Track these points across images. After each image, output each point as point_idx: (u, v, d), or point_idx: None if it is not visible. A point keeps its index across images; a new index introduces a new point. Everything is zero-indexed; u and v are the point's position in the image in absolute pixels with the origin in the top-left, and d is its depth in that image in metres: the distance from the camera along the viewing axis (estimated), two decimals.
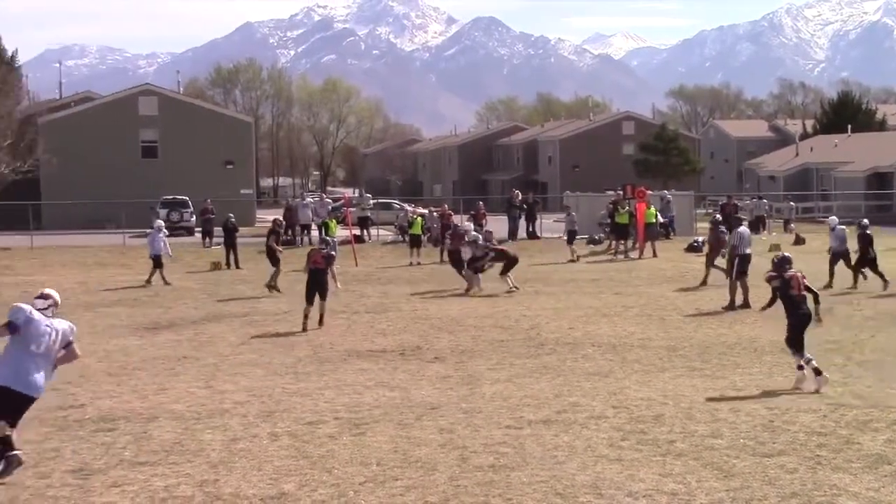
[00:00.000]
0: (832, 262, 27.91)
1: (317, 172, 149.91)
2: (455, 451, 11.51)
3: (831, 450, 11.38)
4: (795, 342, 15.12)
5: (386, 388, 15.31)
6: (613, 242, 40.93)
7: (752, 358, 17.42)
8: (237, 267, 36.44)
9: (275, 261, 29.32)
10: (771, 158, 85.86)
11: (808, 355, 14.97)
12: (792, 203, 57.36)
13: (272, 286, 28.30)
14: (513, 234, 45.59)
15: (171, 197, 54.45)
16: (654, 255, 38.74)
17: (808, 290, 15.28)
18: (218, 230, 41.05)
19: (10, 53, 72.47)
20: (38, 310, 10.83)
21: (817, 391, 14.47)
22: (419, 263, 37.37)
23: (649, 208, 40.84)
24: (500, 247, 29.71)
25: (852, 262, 27.67)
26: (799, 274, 15.41)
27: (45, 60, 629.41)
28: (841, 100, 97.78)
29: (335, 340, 20.14)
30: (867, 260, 27.46)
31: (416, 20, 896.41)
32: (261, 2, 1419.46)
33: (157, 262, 31.57)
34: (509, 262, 28.11)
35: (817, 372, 14.72)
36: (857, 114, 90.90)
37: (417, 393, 14.88)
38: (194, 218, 51.29)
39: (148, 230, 33.83)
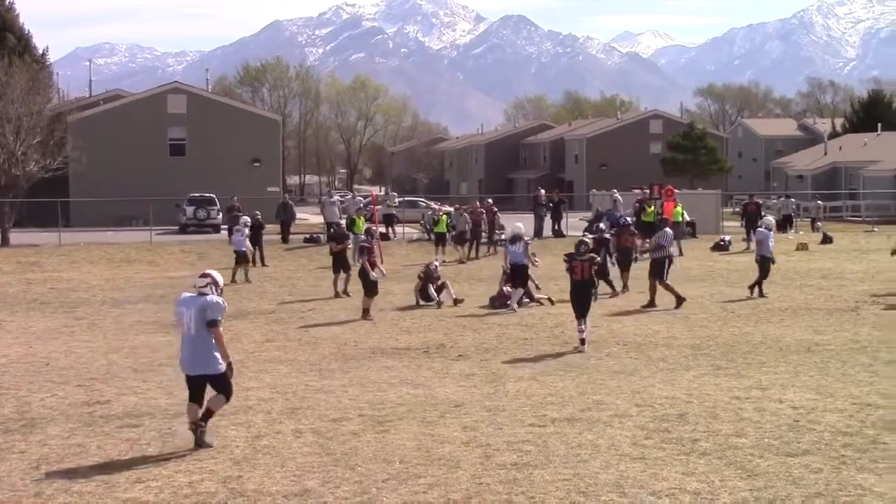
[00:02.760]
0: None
1: (343, 170, 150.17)
2: (478, 449, 11.50)
3: (856, 449, 11.31)
4: (575, 311, 18.71)
5: (410, 385, 15.32)
6: (639, 241, 40.81)
7: (778, 357, 17.33)
8: (263, 264, 36.53)
9: (345, 266, 27.85)
10: (799, 157, 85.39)
11: (583, 326, 18.41)
12: (819, 202, 57.04)
13: (344, 291, 27.55)
14: (538, 232, 45.52)
15: (198, 194, 54.59)
16: (680, 253, 38.63)
17: (591, 276, 19.04)
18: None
19: (41, 51, 72.82)
20: (198, 287, 11.93)
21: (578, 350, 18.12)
22: (444, 261, 37.38)
23: (676, 207, 40.75)
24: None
25: None
26: (587, 263, 18.80)
27: (75, 58, 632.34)
28: (871, 98, 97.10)
29: (359, 338, 20.18)
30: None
31: (445, 18, 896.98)
32: (290, 0, 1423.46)
33: (244, 258, 31.85)
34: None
35: (581, 332, 18.39)
36: (888, 112, 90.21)
37: (441, 390, 14.89)
38: (221, 215, 51.45)
39: (235, 227, 33.88)
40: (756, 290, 25.92)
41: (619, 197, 47.70)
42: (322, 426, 12.73)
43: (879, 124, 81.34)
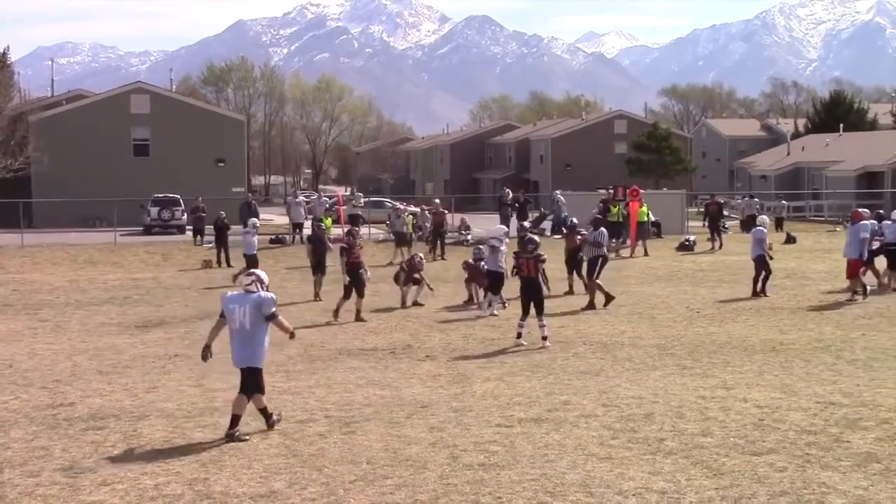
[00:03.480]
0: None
1: (309, 171, 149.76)
2: (445, 450, 11.50)
3: (820, 448, 11.40)
4: (524, 308, 18.97)
5: (377, 386, 15.30)
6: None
7: (743, 356, 17.44)
8: (228, 265, 36.35)
9: (323, 269, 27.34)
10: (762, 157, 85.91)
11: (523, 323, 18.87)
12: (784, 202, 57.43)
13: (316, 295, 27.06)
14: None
15: (162, 195, 54.26)
16: (646, 253, 38.84)
17: (538, 273, 18.97)
18: (209, 228, 40.93)
19: (1, 50, 72.11)
20: (244, 286, 12.55)
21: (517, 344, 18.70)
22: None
23: (642, 207, 40.94)
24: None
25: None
26: (533, 260, 18.80)
27: (37, 58, 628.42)
28: (833, 99, 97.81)
29: (326, 339, 20.13)
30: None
31: (410, 18, 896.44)
32: (254, 0, 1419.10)
33: (254, 262, 30.26)
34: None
35: (521, 328, 18.96)
36: (849, 113, 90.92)
37: (408, 391, 14.88)
38: (185, 216, 51.15)
39: (244, 229, 32.54)
40: (761, 287, 25.93)
41: (562, 198, 47.99)
42: (289, 427, 12.69)
43: (841, 125, 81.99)
